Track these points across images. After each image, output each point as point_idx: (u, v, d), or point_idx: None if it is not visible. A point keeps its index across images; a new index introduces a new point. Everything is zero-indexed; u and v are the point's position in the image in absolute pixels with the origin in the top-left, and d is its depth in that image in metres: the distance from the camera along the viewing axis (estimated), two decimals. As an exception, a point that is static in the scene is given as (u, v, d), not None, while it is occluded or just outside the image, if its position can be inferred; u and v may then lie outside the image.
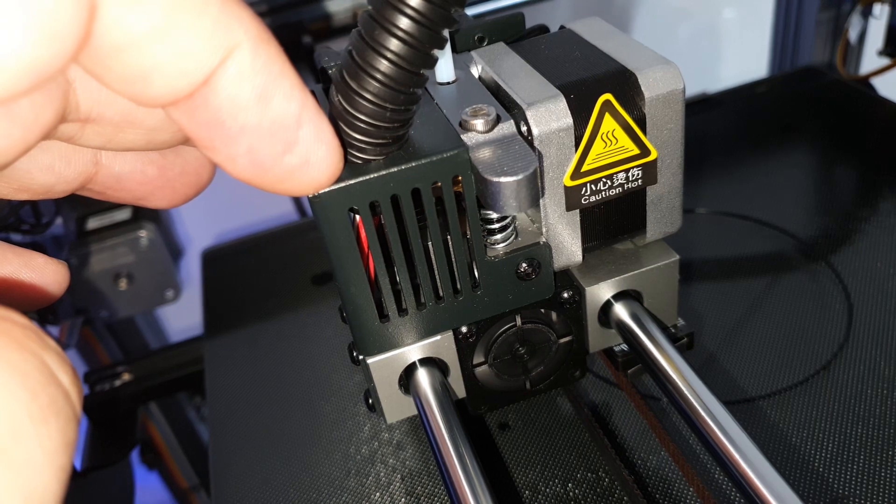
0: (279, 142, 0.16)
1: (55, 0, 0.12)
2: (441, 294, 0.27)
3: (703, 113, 0.66)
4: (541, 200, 0.27)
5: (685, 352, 0.31)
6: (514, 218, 0.28)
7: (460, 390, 0.32)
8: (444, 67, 0.27)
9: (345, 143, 0.22)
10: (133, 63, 0.14)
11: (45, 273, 0.19)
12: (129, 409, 0.66)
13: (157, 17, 0.13)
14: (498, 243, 0.28)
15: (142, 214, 0.69)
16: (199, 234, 0.80)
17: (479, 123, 0.24)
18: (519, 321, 0.30)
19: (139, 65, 0.14)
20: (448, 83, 0.28)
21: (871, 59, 0.72)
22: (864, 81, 0.68)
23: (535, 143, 0.25)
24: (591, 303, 0.31)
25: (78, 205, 0.70)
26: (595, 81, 0.26)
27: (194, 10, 0.14)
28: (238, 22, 0.14)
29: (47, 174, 0.18)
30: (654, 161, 0.27)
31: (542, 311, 0.31)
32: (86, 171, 0.19)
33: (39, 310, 0.62)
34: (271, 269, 0.59)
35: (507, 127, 0.25)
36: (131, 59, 0.13)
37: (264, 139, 0.16)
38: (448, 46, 0.27)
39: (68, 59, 0.13)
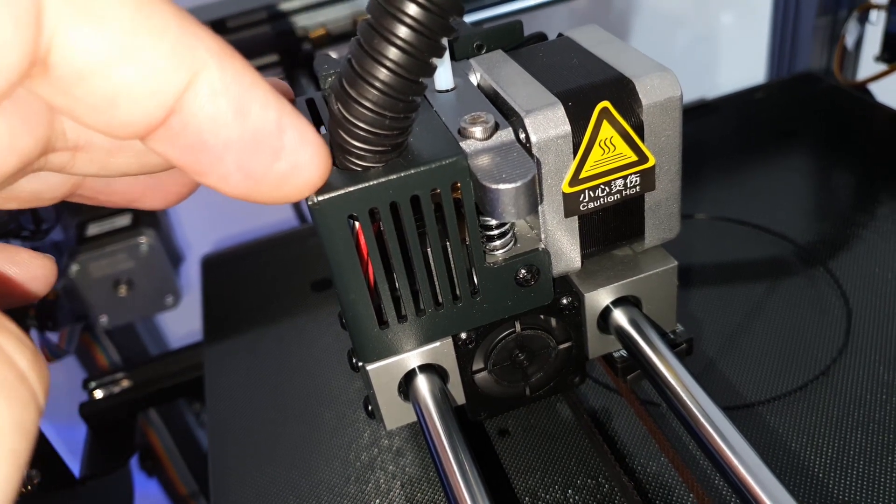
0: (266, 150, 0.16)
1: None
2: (440, 300, 0.27)
3: (702, 119, 0.66)
4: (539, 207, 0.27)
5: (684, 357, 0.31)
6: (512, 224, 0.28)
7: (460, 397, 0.32)
8: (443, 75, 0.27)
9: (344, 150, 0.22)
10: (99, 89, 0.14)
11: (30, 268, 0.19)
12: (128, 415, 0.66)
13: (117, 40, 0.13)
14: (497, 250, 0.28)
15: (142, 221, 0.69)
16: (199, 240, 0.80)
17: (477, 131, 0.24)
18: (518, 327, 0.31)
19: (105, 90, 0.14)
20: (447, 91, 0.28)
21: (868, 65, 0.72)
22: (862, 87, 0.68)
23: (534, 151, 0.25)
24: (590, 309, 0.31)
25: (78, 211, 0.70)
26: (593, 89, 0.26)
27: (154, 32, 0.14)
28: (198, 41, 0.14)
29: (34, 181, 0.18)
30: (652, 168, 0.27)
31: (542, 317, 0.31)
32: (74, 178, 0.19)
33: (39, 316, 0.62)
34: (271, 276, 0.59)
35: (506, 134, 0.25)
36: (96, 84, 0.13)
37: (250, 151, 0.16)
38: (447, 54, 0.27)
39: (12, 82, 0.13)
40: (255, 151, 0.16)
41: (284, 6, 0.69)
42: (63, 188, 0.19)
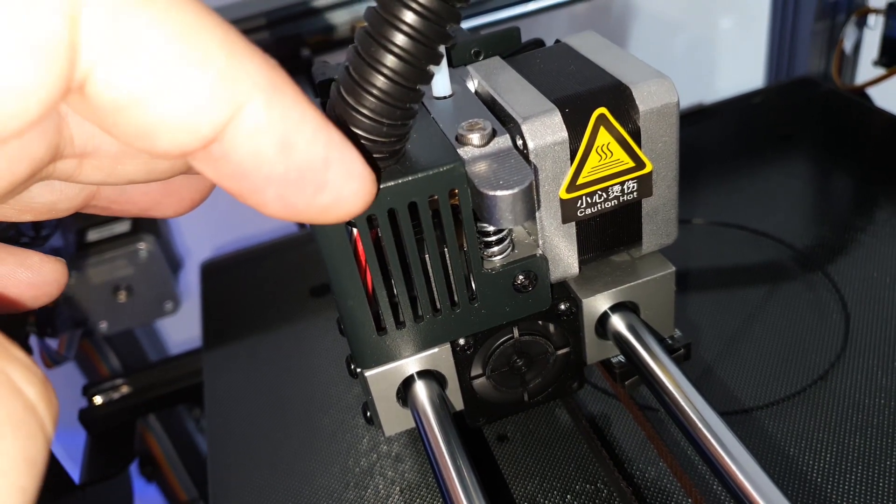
0: (309, 185, 0.15)
1: (14, 57, 0.12)
2: (438, 306, 0.27)
3: (700, 123, 0.66)
4: (537, 213, 0.27)
5: (682, 363, 0.31)
6: (510, 231, 0.28)
7: (458, 402, 0.32)
8: (441, 82, 0.28)
9: None
10: (135, 121, 0.13)
11: (42, 271, 0.19)
12: (127, 421, 0.66)
13: (156, 77, 0.13)
14: (495, 256, 0.28)
15: (141, 227, 0.69)
16: (198, 246, 0.80)
17: (475, 137, 0.24)
18: (516, 333, 0.31)
19: (141, 122, 0.13)
20: (444, 97, 0.28)
21: (866, 70, 0.73)
22: (860, 91, 0.68)
23: (531, 157, 0.25)
24: (587, 314, 0.31)
25: (77, 217, 0.70)
26: (590, 95, 0.26)
27: (197, 65, 0.13)
28: (246, 72, 0.14)
29: (48, 192, 0.18)
30: (649, 174, 0.27)
31: (540, 322, 0.31)
32: (88, 190, 0.19)
33: (38, 322, 0.62)
34: (270, 281, 0.59)
35: (503, 141, 0.25)
36: (132, 117, 0.13)
37: (293, 186, 0.15)
38: (444, 61, 0.27)
39: (35, 118, 0.12)
40: (297, 186, 0.15)
41: (283, 12, 0.69)
42: (78, 199, 0.19)
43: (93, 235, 0.69)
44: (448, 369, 0.30)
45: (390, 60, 0.19)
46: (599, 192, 0.27)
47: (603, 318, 0.31)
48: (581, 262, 0.29)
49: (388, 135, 0.21)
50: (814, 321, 0.44)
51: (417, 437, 0.37)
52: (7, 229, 0.54)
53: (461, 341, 0.30)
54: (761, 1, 0.84)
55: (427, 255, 0.26)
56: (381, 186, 0.23)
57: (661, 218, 0.29)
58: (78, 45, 0.12)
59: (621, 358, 0.32)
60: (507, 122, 0.26)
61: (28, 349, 0.58)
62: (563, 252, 0.28)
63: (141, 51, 0.13)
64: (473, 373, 0.31)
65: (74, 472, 0.60)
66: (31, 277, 0.19)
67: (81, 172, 0.17)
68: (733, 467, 0.25)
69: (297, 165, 0.15)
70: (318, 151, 0.15)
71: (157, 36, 0.13)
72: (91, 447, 0.63)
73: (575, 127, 0.26)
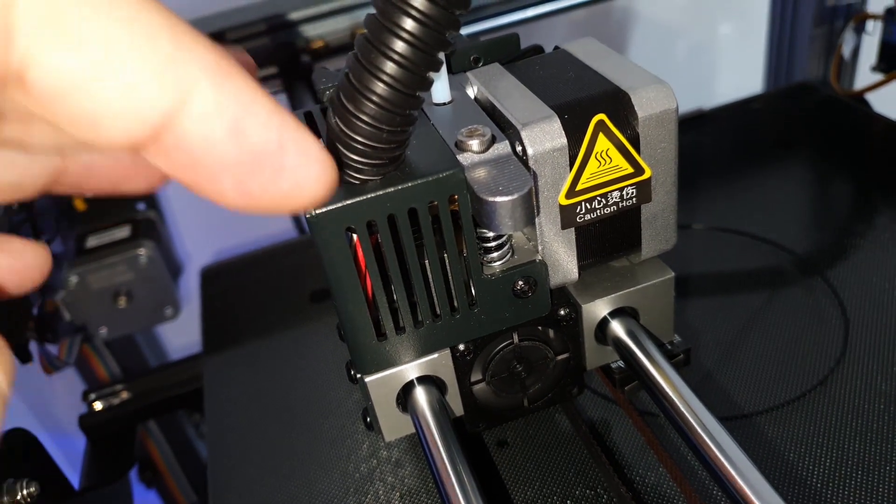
0: (265, 170, 0.15)
1: None
2: (438, 312, 0.27)
3: (699, 129, 0.67)
4: (536, 219, 0.27)
5: (681, 368, 0.31)
6: (510, 236, 0.28)
7: (458, 408, 0.32)
8: (440, 88, 0.28)
9: (342, 163, 0.22)
10: (77, 107, 0.13)
11: (23, 257, 0.18)
12: (127, 427, 0.66)
13: (96, 60, 0.13)
14: (494, 261, 0.28)
15: (141, 232, 0.69)
16: (198, 251, 0.80)
17: (474, 144, 0.25)
18: (516, 339, 0.31)
19: (84, 108, 0.13)
20: (444, 104, 0.28)
21: (864, 75, 0.73)
22: (858, 97, 0.68)
23: (530, 163, 0.26)
24: (587, 320, 0.31)
25: (77, 223, 0.70)
26: (589, 102, 0.26)
27: (140, 49, 0.13)
28: (192, 57, 0.14)
29: (10, 170, 0.18)
30: (648, 180, 0.28)
31: (539, 328, 0.31)
32: (52, 164, 0.18)
33: (38, 328, 0.62)
34: (270, 287, 0.59)
35: (503, 147, 0.25)
36: (75, 102, 0.13)
37: (248, 171, 0.15)
38: (444, 68, 0.28)
39: None
40: (253, 171, 0.15)
41: (283, 18, 0.69)
42: (43, 176, 0.18)
43: (92, 241, 0.69)
44: (448, 375, 0.30)
45: (390, 67, 0.19)
46: (598, 198, 0.27)
47: (602, 324, 0.31)
48: (580, 268, 0.29)
49: (388, 141, 0.21)
50: (813, 326, 0.44)
51: (417, 442, 0.37)
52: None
53: (461, 347, 0.30)
54: (760, 7, 0.84)
55: (427, 261, 0.26)
56: (381, 192, 0.23)
57: (661, 223, 0.29)
58: (12, 28, 0.12)
59: (621, 363, 0.33)
60: (506, 129, 0.26)
61: (28, 355, 0.58)
62: (562, 257, 0.28)
63: (80, 35, 0.13)
64: (473, 378, 0.31)
65: (74, 478, 0.60)
66: (13, 263, 0.18)
67: (32, 136, 0.17)
68: (733, 472, 0.25)
69: (251, 150, 0.15)
70: (272, 135, 0.15)
71: (99, 20, 0.13)
72: (91, 453, 0.63)
73: (574, 133, 0.26)
